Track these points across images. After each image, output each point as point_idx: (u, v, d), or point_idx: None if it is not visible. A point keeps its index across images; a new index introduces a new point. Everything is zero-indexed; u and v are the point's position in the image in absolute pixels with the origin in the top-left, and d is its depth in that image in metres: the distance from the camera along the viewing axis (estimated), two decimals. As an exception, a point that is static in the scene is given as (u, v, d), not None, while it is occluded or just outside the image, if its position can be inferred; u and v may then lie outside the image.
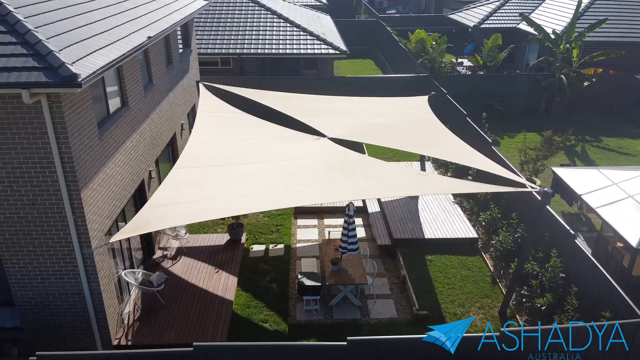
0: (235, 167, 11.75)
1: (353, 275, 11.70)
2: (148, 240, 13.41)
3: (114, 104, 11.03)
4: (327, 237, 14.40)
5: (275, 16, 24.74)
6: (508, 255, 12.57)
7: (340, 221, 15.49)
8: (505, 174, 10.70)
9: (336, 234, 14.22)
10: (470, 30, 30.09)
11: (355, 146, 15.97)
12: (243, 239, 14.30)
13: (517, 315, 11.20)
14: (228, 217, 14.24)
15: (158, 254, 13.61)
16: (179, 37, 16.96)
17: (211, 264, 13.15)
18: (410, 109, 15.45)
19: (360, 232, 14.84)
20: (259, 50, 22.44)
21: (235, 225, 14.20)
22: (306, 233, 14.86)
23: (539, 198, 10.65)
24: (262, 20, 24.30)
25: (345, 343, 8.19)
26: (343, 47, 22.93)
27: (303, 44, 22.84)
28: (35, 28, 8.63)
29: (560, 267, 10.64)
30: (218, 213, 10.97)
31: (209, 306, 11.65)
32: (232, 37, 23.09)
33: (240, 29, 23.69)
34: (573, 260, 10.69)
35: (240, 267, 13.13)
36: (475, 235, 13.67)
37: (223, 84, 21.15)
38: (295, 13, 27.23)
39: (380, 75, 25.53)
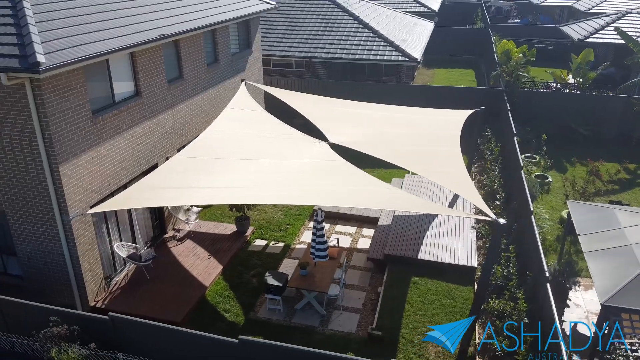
0: (227, 161, 12.34)
1: (318, 282, 11.58)
2: (160, 220, 14.65)
3: (125, 92, 12.32)
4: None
5: (354, 20, 24.75)
6: (497, 290, 11.35)
7: (352, 229, 15.28)
8: (477, 200, 9.76)
9: (336, 240, 14.11)
10: (588, 45, 26.97)
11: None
12: (249, 231, 14.88)
13: (477, 357, 10.12)
14: (237, 210, 14.92)
15: (169, 234, 14.79)
16: (234, 38, 18.04)
17: (208, 250, 13.93)
18: (440, 123, 14.64)
19: (366, 243, 14.49)
20: (329, 55, 22.80)
21: (241, 218, 14.83)
22: (310, 236, 14.89)
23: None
24: (341, 23, 24.55)
25: (237, 341, 8.31)
26: (416, 55, 22.24)
27: (374, 50, 22.65)
28: (37, 22, 10.10)
29: (524, 311, 9.39)
30: (190, 200, 11.79)
31: (185, 288, 12.42)
32: (307, 40, 23.76)
33: (316, 32, 24.23)
34: (545, 305, 9.38)
35: (232, 258, 13.71)
36: (474, 265, 12.51)
37: (288, 86, 22.05)
38: (382, 17, 27.00)
39: (451, 86, 24.18)
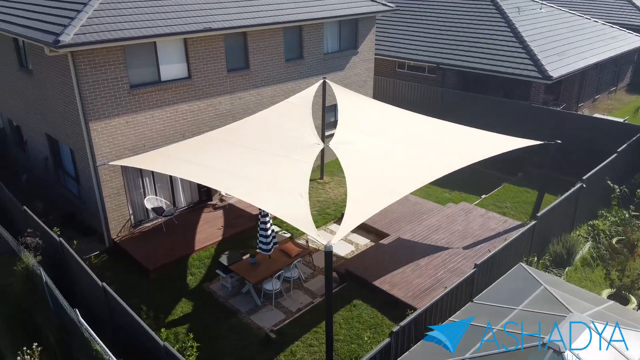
0: (236, 147, 13.52)
1: (255, 273, 12.01)
2: (208, 188, 16.77)
3: (173, 73, 14.61)
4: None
5: (505, 24, 21.99)
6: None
7: (365, 241, 14.75)
8: (343, 229, 8.99)
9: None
10: None
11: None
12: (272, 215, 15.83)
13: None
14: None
15: (214, 201, 16.84)
16: (333, 37, 18.66)
17: (225, 223, 15.48)
18: (467, 147, 12.94)
19: (362, 257, 13.91)
20: (456, 62, 21.16)
21: (266, 202, 15.85)
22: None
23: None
24: (487, 28, 22.25)
25: (101, 285, 9.78)
26: (555, 73, 18.89)
27: (508, 60, 20.05)
28: (95, 10, 13.10)
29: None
30: (179, 173, 13.37)
31: (179, 246, 14.27)
32: (441, 43, 22.40)
33: (453, 35, 22.56)
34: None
35: (236, 234, 14.95)
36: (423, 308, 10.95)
37: (406, 92, 21.57)
38: (556, 25, 23.25)
39: (589, 115, 19.42)
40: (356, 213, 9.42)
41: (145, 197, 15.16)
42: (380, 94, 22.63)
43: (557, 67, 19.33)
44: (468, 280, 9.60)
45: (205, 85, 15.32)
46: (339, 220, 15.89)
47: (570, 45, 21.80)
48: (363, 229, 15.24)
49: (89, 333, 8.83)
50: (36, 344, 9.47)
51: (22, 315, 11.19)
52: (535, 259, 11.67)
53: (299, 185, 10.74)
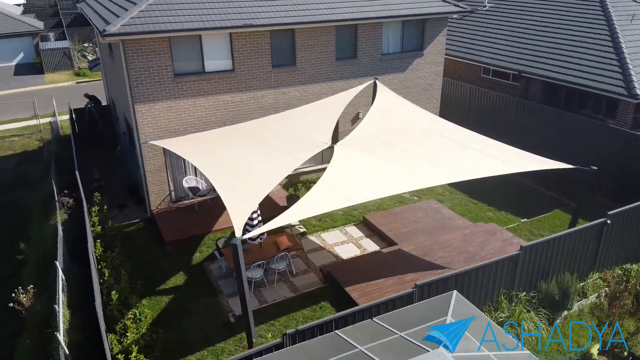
0: (252, 139, 14.23)
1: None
2: (247, 176, 17.68)
3: (218, 65, 15.68)
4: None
5: (606, 30, 19.20)
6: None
7: (374, 247, 14.40)
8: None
9: (340, 247, 13.99)
10: None
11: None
12: (295, 210, 16.21)
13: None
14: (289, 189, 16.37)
15: (252, 189, 17.71)
16: (394, 37, 18.18)
17: (251, 210, 16.24)
18: (486, 164, 11.96)
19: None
20: (540, 71, 19.09)
21: (292, 196, 16.24)
22: (333, 235, 15.00)
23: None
24: (583, 33, 19.62)
25: (89, 243, 11.17)
26: (648, 91, 16.17)
27: (594, 71, 17.59)
28: (149, 3, 14.66)
29: None
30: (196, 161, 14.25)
31: (201, 224, 15.40)
32: (527, 48, 20.34)
33: (542, 40, 20.30)
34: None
35: (256, 221, 15.63)
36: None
37: (479, 99, 20.29)
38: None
39: None
40: (289, 214, 9.43)
41: (185, 177, 16.58)
42: (451, 100, 21.58)
43: (649, 84, 16.54)
44: (406, 299, 9.04)
45: (249, 79, 16.17)
46: (359, 223, 15.69)
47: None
48: (379, 236, 14.90)
49: (57, 284, 10.21)
50: (32, 286, 11.17)
51: (46, 263, 13.18)
52: (524, 294, 10.42)
53: (270, 182, 11.01)
